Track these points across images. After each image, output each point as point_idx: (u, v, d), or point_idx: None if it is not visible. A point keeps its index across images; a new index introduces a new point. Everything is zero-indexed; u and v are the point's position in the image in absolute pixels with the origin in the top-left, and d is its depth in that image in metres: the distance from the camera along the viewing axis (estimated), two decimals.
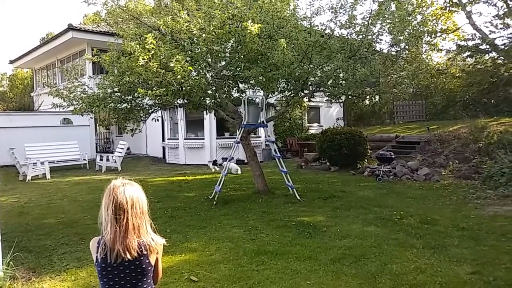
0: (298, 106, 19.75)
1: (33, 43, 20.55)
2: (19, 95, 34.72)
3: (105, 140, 22.61)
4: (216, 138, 16.44)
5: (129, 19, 7.40)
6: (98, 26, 16.08)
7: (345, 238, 5.56)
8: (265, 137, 17.10)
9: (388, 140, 16.31)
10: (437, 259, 4.68)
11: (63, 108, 7.79)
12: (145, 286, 1.99)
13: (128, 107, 7.91)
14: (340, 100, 8.66)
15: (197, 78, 6.21)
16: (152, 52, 5.55)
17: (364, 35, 7.27)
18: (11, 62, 24.37)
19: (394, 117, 22.79)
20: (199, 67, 6.54)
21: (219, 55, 6.74)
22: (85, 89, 7.38)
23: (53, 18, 64.93)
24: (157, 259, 2.04)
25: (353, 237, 5.59)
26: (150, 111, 8.04)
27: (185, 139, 16.91)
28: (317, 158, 14.11)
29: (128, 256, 1.89)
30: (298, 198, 8.12)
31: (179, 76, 5.58)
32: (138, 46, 5.69)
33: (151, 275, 2.02)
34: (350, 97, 9.03)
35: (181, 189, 10.00)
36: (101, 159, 14.73)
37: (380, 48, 8.05)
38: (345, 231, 5.89)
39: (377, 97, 10.44)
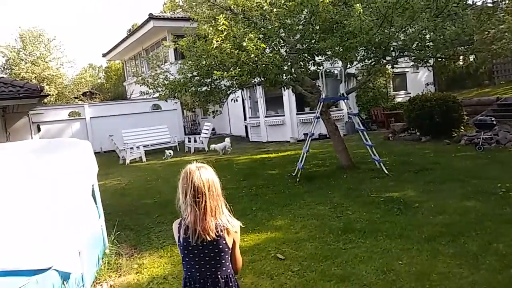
0: (381, 74, 18.73)
1: (122, 36, 22.16)
2: (114, 86, 37.98)
3: (191, 122, 23.77)
4: (297, 114, 16.29)
5: (202, 2, 7.48)
6: (174, 12, 16.67)
7: (441, 214, 5.14)
8: (347, 109, 16.45)
9: (487, 103, 14.66)
10: None
11: (150, 95, 8.26)
12: (223, 268, 2.04)
13: (208, 89, 8.12)
14: (428, 64, 7.90)
15: (271, 55, 6.10)
16: (225, 33, 5.55)
17: None
18: (104, 55, 26.59)
19: (494, 77, 20.38)
20: (273, 44, 6.40)
21: (292, 28, 6.52)
22: (167, 75, 7.72)
23: (138, 8, 69.01)
24: (234, 242, 2.08)
25: (450, 213, 5.15)
26: (228, 92, 8.16)
27: (265, 116, 17.03)
28: (405, 129, 13.23)
29: (208, 238, 1.95)
30: (386, 172, 7.70)
31: (252, 55, 5.53)
32: (211, 28, 5.73)
33: (229, 257, 2.07)
34: (439, 59, 8.20)
35: (265, 166, 10.12)
36: (189, 141, 15.53)
37: (473, 1, 7.12)
38: (440, 206, 5.44)
39: (471, 57, 9.35)
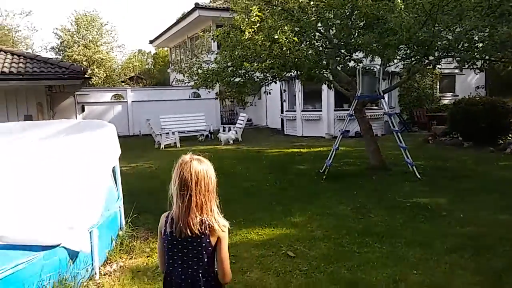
0: (428, 73, 17.89)
1: (171, 23, 22.57)
2: (159, 72, 38.96)
3: (230, 112, 23.95)
4: (334, 110, 15.94)
5: None
6: (215, 1, 16.76)
7: (469, 225, 4.83)
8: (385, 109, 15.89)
9: None
10: None
11: (185, 83, 8.35)
12: (206, 267, 1.95)
13: (242, 81, 8.09)
14: (475, 67, 7.41)
15: (304, 48, 5.95)
16: (258, 24, 5.47)
17: None
18: (151, 42, 27.29)
19: None
20: (308, 37, 6.24)
21: (329, 23, 6.32)
22: (201, 64, 7.77)
23: None
24: (220, 242, 1.95)
25: (479, 225, 4.83)
26: (262, 84, 8.09)
27: (302, 111, 16.82)
28: (447, 132, 12.59)
29: (188, 233, 1.87)
30: (418, 176, 7.36)
31: (284, 48, 5.41)
32: (245, 19, 5.67)
33: (212, 257, 1.96)
34: (487, 62, 7.67)
35: (294, 161, 10.01)
36: (224, 130, 15.65)
37: None
38: (469, 217, 5.12)
39: None
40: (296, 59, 6.02)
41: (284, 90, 17.72)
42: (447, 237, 4.48)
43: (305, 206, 5.97)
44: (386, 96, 16.57)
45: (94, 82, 30.83)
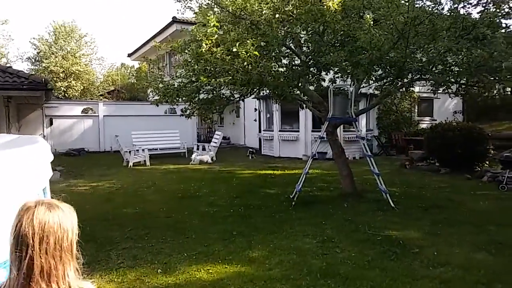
0: (407, 97, 17.82)
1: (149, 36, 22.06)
2: (141, 87, 38.21)
3: (207, 129, 23.43)
4: (312, 131, 15.58)
5: (211, 6, 7.02)
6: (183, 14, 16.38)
7: (442, 266, 4.37)
8: (357, 132, 15.62)
9: None
10: None
11: (148, 98, 7.79)
12: None
13: (209, 97, 7.62)
14: (450, 90, 7.14)
15: (268, 64, 5.52)
16: (216, 36, 5.03)
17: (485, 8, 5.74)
18: (129, 55, 26.73)
19: None
20: (273, 53, 5.82)
21: (298, 38, 5.92)
22: (162, 79, 7.26)
23: (167, 9, 69.77)
24: None
25: (453, 265, 4.37)
26: (229, 101, 7.63)
27: (279, 131, 16.42)
28: (424, 157, 12.32)
29: None
30: (392, 205, 6.93)
31: (245, 63, 4.97)
32: (204, 30, 5.23)
33: None
34: (463, 86, 7.40)
35: (265, 184, 9.48)
36: (197, 149, 15.07)
37: (506, 24, 6.35)
38: (443, 255, 4.66)
39: (497, 86, 8.44)
40: (260, 76, 5.58)
41: (260, 110, 17.34)
42: (417, 280, 4.00)
43: (267, 237, 5.42)
44: (363, 118, 16.52)
45: (71, 95, 29.95)
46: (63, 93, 29.44)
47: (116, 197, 8.16)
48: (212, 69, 5.76)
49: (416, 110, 18.83)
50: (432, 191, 8.49)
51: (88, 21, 62.97)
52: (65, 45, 31.81)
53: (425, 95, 17.43)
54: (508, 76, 5.94)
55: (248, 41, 4.98)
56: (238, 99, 7.93)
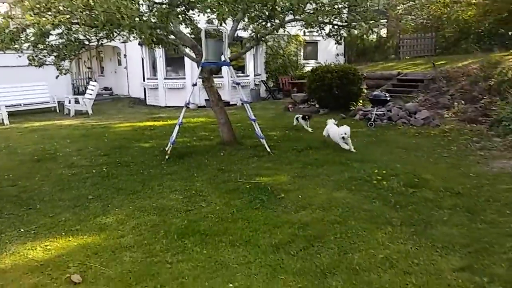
0: (293, 40, 17.96)
1: None
2: None
3: (87, 80, 21.14)
4: (199, 77, 14.90)
5: None
6: None
7: (305, 208, 4.36)
8: (231, 77, 15.50)
9: (389, 77, 14.66)
10: (416, 244, 3.50)
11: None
12: None
13: (60, 42, 6.47)
14: (323, 32, 7.08)
15: (118, 1, 4.68)
16: None
17: None
18: None
19: (400, 52, 20.77)
20: None
21: None
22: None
23: None
24: None
25: (316, 206, 4.39)
26: (82, 46, 6.55)
27: (165, 78, 15.43)
28: (306, 100, 12.65)
29: None
30: (268, 150, 6.87)
31: None
32: None
33: None
34: (335, 27, 7.38)
35: (141, 137, 8.77)
36: (69, 102, 13.43)
37: None
38: (307, 197, 4.68)
39: (375, 29, 8.73)
40: (109, 14, 4.72)
41: (142, 57, 16.00)
42: (279, 227, 3.90)
43: (129, 198, 4.90)
44: (251, 63, 16.29)
45: None
46: None
47: None
48: (43, 6, 4.69)
49: (302, 54, 19.18)
50: (309, 133, 8.68)
51: None
52: None
53: (309, 38, 17.74)
54: (375, 18, 5.96)
55: None
56: (96, 44, 6.85)
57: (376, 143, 7.54)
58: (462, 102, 10.43)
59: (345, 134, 6.60)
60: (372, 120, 9.22)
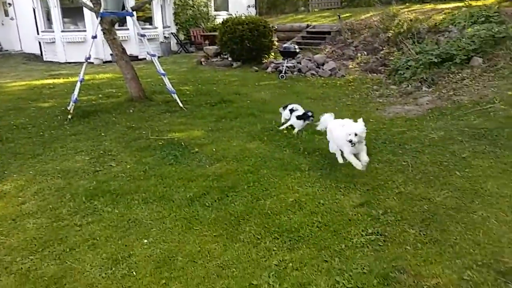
0: None
1: None
2: None
3: None
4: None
5: None
6: None
7: (219, 161, 4.40)
8: (135, 29, 14.72)
9: (298, 30, 14.97)
10: (322, 186, 3.76)
11: None
12: None
13: None
14: None
15: None
16: None
17: None
18: None
19: (309, 4, 21.18)
20: None
21: None
22: None
23: None
24: None
25: (230, 158, 4.46)
26: None
27: (62, 31, 13.96)
28: (218, 53, 12.44)
29: None
30: (181, 105, 6.71)
31: None
32: None
33: None
34: None
35: (39, 97, 7.97)
36: None
37: None
38: (222, 150, 4.72)
39: None
40: None
41: (34, 6, 14.22)
42: (193, 181, 3.91)
43: (28, 162, 4.49)
44: (158, 14, 15.35)
45: None
46: None
47: None
48: None
49: (212, 5, 18.55)
50: (222, 86, 8.63)
51: None
52: None
53: None
54: None
55: None
56: None
57: (287, 94, 7.77)
58: (365, 53, 11.11)
59: (356, 135, 3.66)
60: (283, 72, 9.43)
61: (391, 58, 9.75)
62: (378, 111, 6.49)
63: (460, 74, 7.31)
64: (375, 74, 9.44)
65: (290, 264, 2.66)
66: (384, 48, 10.81)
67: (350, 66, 10.42)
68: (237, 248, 2.84)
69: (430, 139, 4.90)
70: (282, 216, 3.25)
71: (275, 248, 2.83)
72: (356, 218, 3.20)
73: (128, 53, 7.37)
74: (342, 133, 3.80)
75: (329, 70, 9.68)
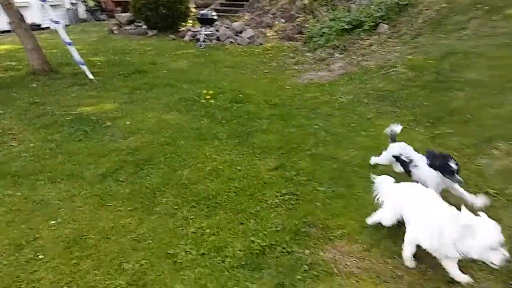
0: None
1: None
2: None
3: None
4: None
5: None
6: None
7: (134, 134, 4.24)
8: None
9: None
10: (240, 153, 3.82)
11: None
12: None
13: None
14: None
15: None
16: None
17: None
18: None
19: None
20: None
21: None
22: None
23: None
24: None
25: (145, 131, 4.32)
26: None
27: None
28: (132, 20, 11.74)
29: None
30: (91, 77, 6.29)
31: None
32: None
33: None
34: None
35: None
36: None
37: None
38: (136, 123, 4.55)
39: None
40: None
41: None
42: (105, 156, 3.73)
43: None
44: None
45: None
46: None
47: None
48: None
49: None
50: (137, 55, 8.22)
51: None
52: None
53: None
54: None
55: None
56: None
57: (205, 63, 7.64)
58: (282, 20, 11.23)
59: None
60: (202, 40, 9.21)
61: (307, 25, 9.99)
62: (293, 78, 6.67)
63: (368, 40, 7.74)
64: (291, 42, 9.62)
65: (208, 230, 2.70)
66: (300, 16, 11.01)
67: (268, 34, 10.50)
68: (153, 220, 2.81)
69: (340, 102, 5.18)
70: (200, 185, 3.26)
71: (192, 217, 2.84)
72: (271, 181, 3.32)
73: (30, 21, 6.61)
74: (455, 232, 1.97)
75: (248, 38, 9.66)
